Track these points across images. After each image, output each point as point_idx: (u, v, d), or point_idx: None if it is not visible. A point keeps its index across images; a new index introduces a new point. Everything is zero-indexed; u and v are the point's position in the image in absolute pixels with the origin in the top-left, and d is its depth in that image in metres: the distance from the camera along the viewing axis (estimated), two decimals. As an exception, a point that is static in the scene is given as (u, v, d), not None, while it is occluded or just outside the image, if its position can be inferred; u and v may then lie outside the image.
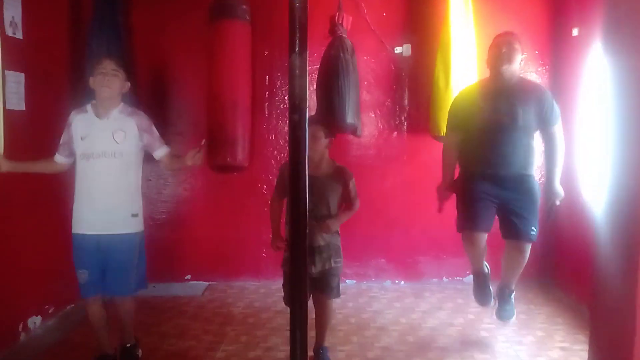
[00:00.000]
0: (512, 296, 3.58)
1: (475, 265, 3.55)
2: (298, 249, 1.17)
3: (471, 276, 3.68)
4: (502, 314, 3.60)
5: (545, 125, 3.31)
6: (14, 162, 2.96)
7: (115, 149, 2.98)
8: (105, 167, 2.98)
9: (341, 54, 4.18)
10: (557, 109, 3.32)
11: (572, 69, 4.38)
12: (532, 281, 4.54)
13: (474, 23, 4.33)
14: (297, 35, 1.13)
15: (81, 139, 3.00)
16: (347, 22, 4.28)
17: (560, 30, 4.60)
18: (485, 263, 3.55)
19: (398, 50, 4.68)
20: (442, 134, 4.26)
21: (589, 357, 1.95)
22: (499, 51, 3.26)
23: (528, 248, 3.37)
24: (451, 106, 3.57)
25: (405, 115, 4.77)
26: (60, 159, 3.11)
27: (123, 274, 3.07)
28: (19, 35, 3.39)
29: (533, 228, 3.30)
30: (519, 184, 3.30)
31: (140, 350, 3.35)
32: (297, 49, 1.13)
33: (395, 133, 4.79)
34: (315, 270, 3.13)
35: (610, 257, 1.67)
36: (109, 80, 2.98)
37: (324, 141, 3.18)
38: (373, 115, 4.77)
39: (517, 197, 3.30)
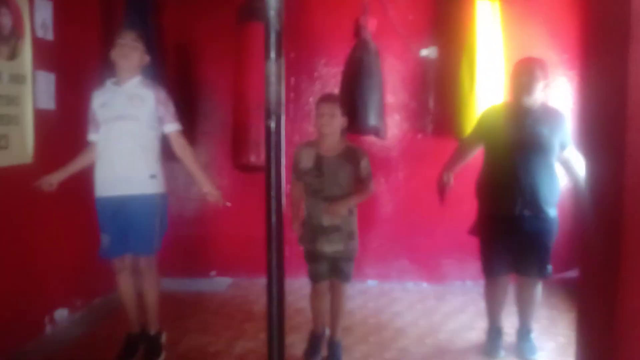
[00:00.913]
0: (532, 335, 3.52)
1: (492, 318, 3.53)
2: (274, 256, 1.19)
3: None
4: (525, 353, 3.47)
5: (562, 148, 3.24)
6: (58, 172, 3.14)
7: (131, 112, 3.10)
8: (122, 130, 3.10)
9: (365, 57, 4.20)
10: (570, 131, 3.29)
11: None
12: (556, 286, 4.46)
13: (501, 25, 4.28)
14: (273, 42, 1.16)
15: (100, 106, 3.14)
16: (372, 24, 4.29)
17: (590, 33, 4.49)
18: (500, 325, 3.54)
19: (424, 52, 4.66)
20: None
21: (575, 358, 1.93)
22: (519, 79, 3.18)
23: (540, 285, 3.37)
24: (480, 116, 3.54)
25: (430, 117, 4.75)
26: (92, 136, 3.23)
27: (144, 233, 3.18)
28: (50, 36, 3.53)
29: (549, 266, 3.28)
30: (539, 226, 3.23)
31: (164, 336, 3.48)
32: (272, 55, 1.16)
33: (420, 135, 4.77)
34: (324, 250, 3.19)
35: (594, 253, 1.67)
36: (128, 50, 3.10)
37: (339, 119, 3.20)
38: (398, 117, 4.76)
39: (535, 239, 3.25)
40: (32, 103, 3.36)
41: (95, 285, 4.10)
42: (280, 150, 1.17)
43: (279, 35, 1.17)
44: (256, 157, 4.29)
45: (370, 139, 4.66)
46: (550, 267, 3.28)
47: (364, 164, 3.24)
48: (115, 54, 3.11)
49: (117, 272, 3.29)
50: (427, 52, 4.68)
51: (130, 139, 3.10)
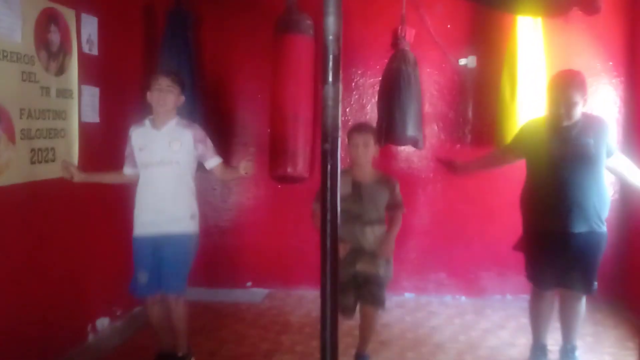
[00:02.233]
0: (576, 352, 3.40)
1: (537, 335, 3.44)
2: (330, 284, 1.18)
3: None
4: None
5: (609, 156, 3.14)
6: (86, 174, 3.20)
7: (172, 158, 3.18)
8: (163, 174, 3.18)
9: (403, 67, 4.17)
10: (614, 137, 3.22)
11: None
12: (602, 302, 4.33)
13: (542, 33, 4.20)
14: (330, 66, 1.16)
15: (139, 149, 3.22)
16: (409, 34, 4.27)
17: (635, 41, 4.39)
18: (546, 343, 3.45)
19: (462, 62, 4.61)
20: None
21: None
22: (558, 109, 3.07)
23: (584, 300, 3.27)
24: (518, 130, 3.45)
25: (469, 127, 4.69)
26: (127, 170, 3.33)
27: (178, 272, 3.23)
28: (95, 52, 3.61)
29: (595, 282, 3.18)
30: (588, 242, 3.12)
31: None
32: (330, 80, 1.16)
33: (459, 145, 4.71)
34: (363, 269, 3.21)
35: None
36: (164, 96, 3.17)
37: (373, 148, 3.27)
38: (436, 127, 4.72)
39: (583, 254, 3.14)
40: (78, 117, 3.44)
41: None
42: (336, 173, 1.16)
43: (337, 60, 1.16)
44: (293, 168, 4.30)
45: (408, 149, 4.64)
46: (595, 284, 3.19)
47: (398, 190, 3.35)
48: (152, 99, 3.19)
49: (148, 305, 3.33)
50: (466, 61, 4.62)
51: (172, 182, 3.20)
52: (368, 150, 3.24)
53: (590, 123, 3.15)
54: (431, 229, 4.76)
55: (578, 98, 3.03)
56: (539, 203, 3.21)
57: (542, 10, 2.69)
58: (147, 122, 3.26)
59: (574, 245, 3.12)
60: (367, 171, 3.30)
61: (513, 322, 4.22)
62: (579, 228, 3.08)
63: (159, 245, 3.18)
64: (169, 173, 3.18)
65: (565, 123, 3.09)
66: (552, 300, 3.34)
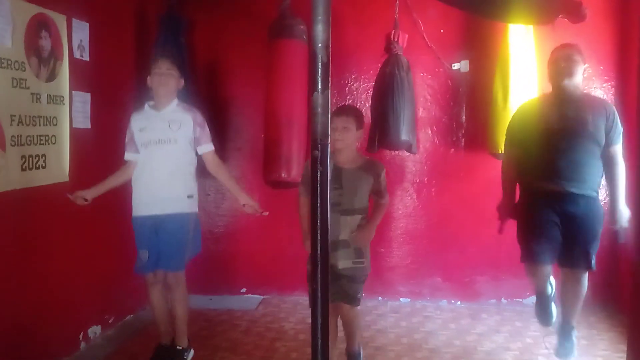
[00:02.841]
0: (574, 333, 3.39)
1: (538, 287, 3.40)
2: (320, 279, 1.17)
3: (532, 298, 3.56)
4: (562, 352, 3.39)
5: (608, 144, 3.13)
6: (94, 188, 3.25)
7: (170, 136, 3.23)
8: (162, 153, 3.23)
9: (396, 72, 4.17)
10: (620, 127, 3.16)
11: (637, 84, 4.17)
12: (595, 305, 4.32)
13: (534, 37, 4.21)
14: (319, 74, 1.15)
15: (140, 130, 3.27)
16: (402, 39, 4.27)
17: (625, 45, 4.41)
18: (551, 281, 3.36)
19: (456, 66, 4.61)
20: (500, 151, 4.16)
21: None
22: (558, 65, 3.14)
23: (586, 277, 3.23)
24: (510, 121, 3.43)
25: (463, 131, 4.69)
26: (129, 156, 3.35)
27: (177, 250, 3.29)
28: (86, 57, 3.60)
29: (593, 256, 3.15)
30: (585, 208, 3.12)
31: (191, 352, 3.52)
32: (319, 87, 1.15)
33: (453, 150, 4.71)
34: (340, 265, 3.00)
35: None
36: (165, 78, 3.24)
37: (354, 133, 3.07)
38: (430, 132, 4.71)
39: (580, 224, 3.13)
40: (69, 123, 3.42)
41: (126, 303, 4.14)
42: (326, 179, 1.15)
43: (326, 68, 1.15)
44: (287, 173, 4.29)
45: (402, 154, 4.64)
46: (594, 258, 3.14)
47: (383, 176, 3.14)
48: (153, 82, 3.26)
49: (149, 285, 3.39)
50: (459, 66, 4.62)
51: (170, 161, 3.24)
52: (348, 134, 3.02)
53: (592, 102, 3.19)
54: (426, 233, 4.75)
55: (578, 57, 3.12)
56: (533, 168, 3.22)
57: (530, 19, 2.73)
58: (146, 106, 3.32)
59: (568, 210, 3.11)
60: (349, 156, 3.08)
61: (508, 326, 4.21)
62: (573, 188, 3.09)
63: (158, 224, 3.24)
64: (167, 152, 3.22)
65: (568, 90, 3.11)
66: (548, 277, 3.28)
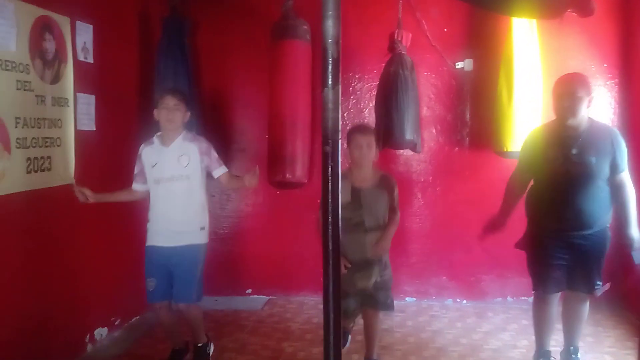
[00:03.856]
0: (578, 355, 3.37)
1: (540, 341, 3.37)
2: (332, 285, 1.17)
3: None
4: None
5: (615, 172, 3.08)
6: (99, 194, 3.26)
7: (182, 172, 3.29)
8: (175, 189, 3.28)
9: (400, 71, 4.17)
10: (625, 152, 3.11)
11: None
12: (602, 302, 4.29)
13: (538, 36, 4.20)
14: (330, 70, 1.15)
15: (151, 167, 3.31)
16: (406, 38, 4.27)
17: (629, 42, 4.40)
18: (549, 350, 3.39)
19: (459, 65, 4.60)
20: (505, 150, 4.16)
21: None
22: (562, 103, 3.05)
23: (588, 302, 3.26)
24: (523, 145, 3.37)
25: (467, 130, 4.68)
26: (137, 187, 3.41)
27: (190, 281, 3.34)
28: (90, 59, 3.60)
29: (599, 282, 3.15)
30: (592, 237, 3.11)
31: (212, 346, 3.60)
32: (329, 82, 1.14)
33: (457, 148, 4.70)
34: (364, 284, 3.17)
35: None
36: (172, 114, 3.26)
37: (375, 150, 3.21)
38: (434, 130, 4.71)
39: (587, 250, 3.12)
40: (74, 125, 3.42)
41: (132, 305, 4.13)
42: (337, 175, 1.15)
43: (336, 63, 1.15)
44: (291, 174, 4.29)
45: (407, 153, 4.63)
46: (599, 284, 3.15)
47: (396, 193, 3.28)
48: (161, 117, 3.28)
49: (156, 310, 3.43)
50: (463, 64, 4.61)
51: (182, 196, 3.30)
52: (371, 151, 3.18)
53: (596, 137, 3.09)
54: (431, 232, 4.74)
55: (582, 93, 3.03)
56: (541, 207, 3.21)
57: (537, 12, 2.69)
58: (155, 139, 3.36)
59: (578, 245, 3.11)
60: (367, 174, 3.22)
61: (514, 325, 4.21)
62: (583, 229, 3.08)
63: (170, 256, 3.28)
64: (179, 188, 3.28)
65: (571, 127, 3.05)
66: (556, 305, 3.30)
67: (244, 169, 4.80)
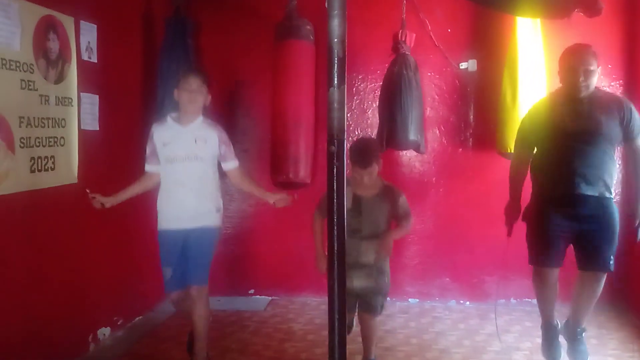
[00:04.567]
0: (584, 335, 3.33)
1: (545, 314, 3.36)
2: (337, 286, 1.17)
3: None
4: (576, 357, 3.30)
5: (628, 138, 3.08)
6: (113, 196, 3.21)
7: (198, 153, 3.21)
8: (188, 169, 3.21)
9: (404, 71, 4.16)
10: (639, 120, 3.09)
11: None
12: (605, 304, 4.27)
13: (542, 36, 4.19)
14: (336, 69, 1.14)
15: (164, 145, 3.23)
16: (410, 39, 4.26)
17: (633, 43, 4.39)
18: (557, 320, 3.36)
19: (463, 65, 4.59)
20: (509, 151, 4.14)
21: None
22: (576, 76, 3.02)
23: (603, 278, 3.16)
24: (522, 122, 3.37)
25: (471, 131, 4.67)
26: (150, 167, 3.32)
27: (203, 264, 3.26)
28: (94, 59, 3.60)
29: (611, 257, 3.08)
30: (599, 210, 3.06)
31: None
32: (335, 82, 1.14)
33: (461, 149, 4.69)
34: (356, 285, 3.16)
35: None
36: (194, 96, 3.21)
37: (377, 169, 3.18)
38: (437, 131, 4.70)
39: (595, 226, 3.08)
40: (78, 124, 3.42)
41: (135, 304, 4.14)
42: (342, 175, 1.15)
43: (342, 62, 1.15)
44: (294, 174, 4.28)
45: (410, 153, 4.62)
46: (613, 259, 3.07)
47: (402, 201, 3.25)
48: (182, 99, 3.22)
49: (175, 304, 3.38)
50: (467, 65, 4.60)
51: (198, 177, 3.23)
52: (371, 177, 3.15)
53: (605, 100, 3.11)
54: (434, 233, 4.73)
55: (595, 66, 3.03)
56: (547, 170, 3.18)
57: (543, 12, 2.68)
58: (169, 119, 3.28)
59: (584, 211, 3.06)
60: (369, 183, 3.19)
61: (518, 326, 4.19)
62: (588, 190, 3.03)
63: (185, 239, 3.22)
64: (193, 168, 3.21)
65: (583, 93, 3.04)
66: (556, 279, 3.24)
67: (247, 170, 4.82)
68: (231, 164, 3.35)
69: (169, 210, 3.26)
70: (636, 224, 3.17)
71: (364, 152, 3.16)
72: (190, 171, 3.21)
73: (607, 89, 4.47)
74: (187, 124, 3.24)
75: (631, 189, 3.18)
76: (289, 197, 3.31)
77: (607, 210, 3.09)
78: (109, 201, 3.20)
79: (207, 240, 3.26)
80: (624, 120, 3.06)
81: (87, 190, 3.17)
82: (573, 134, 3.04)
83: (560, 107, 3.12)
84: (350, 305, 3.25)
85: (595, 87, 3.12)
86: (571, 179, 3.06)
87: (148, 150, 3.30)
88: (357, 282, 3.16)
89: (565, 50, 3.18)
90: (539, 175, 3.26)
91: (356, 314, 3.32)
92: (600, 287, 3.18)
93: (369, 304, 3.24)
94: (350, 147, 3.22)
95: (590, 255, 3.12)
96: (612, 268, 3.11)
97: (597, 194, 3.06)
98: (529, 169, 3.32)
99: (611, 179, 3.11)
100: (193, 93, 3.20)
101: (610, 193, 3.12)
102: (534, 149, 3.28)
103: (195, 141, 3.21)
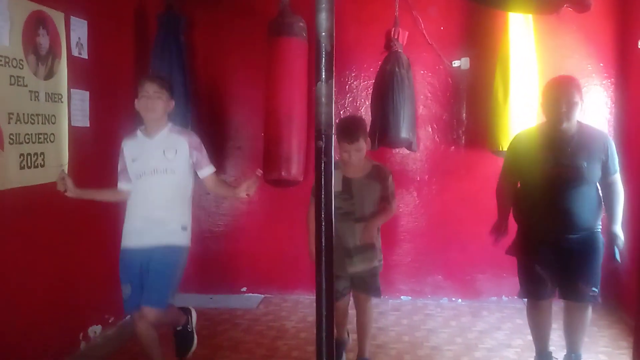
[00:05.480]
0: None
1: (539, 343, 3.32)
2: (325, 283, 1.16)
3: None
4: None
5: (607, 175, 3.07)
6: (81, 190, 3.00)
7: (166, 166, 3.01)
8: (157, 183, 3.01)
9: (396, 69, 4.16)
10: (616, 156, 3.09)
11: (638, 81, 4.17)
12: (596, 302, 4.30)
13: (534, 35, 4.20)
14: (323, 64, 1.13)
15: (132, 161, 3.05)
16: (403, 37, 4.26)
17: (625, 42, 4.40)
18: (550, 351, 3.34)
19: (456, 63, 4.60)
20: (501, 149, 4.14)
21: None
22: (559, 108, 2.97)
23: (589, 309, 3.17)
24: (508, 149, 3.35)
25: (463, 129, 4.68)
26: (122, 185, 3.13)
27: (163, 285, 3.01)
28: (85, 55, 3.58)
29: (595, 289, 3.08)
30: (583, 242, 3.06)
31: None
32: (323, 76, 1.13)
33: (453, 147, 4.70)
34: (354, 270, 3.20)
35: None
36: (152, 103, 2.99)
37: (365, 147, 3.16)
38: (430, 129, 4.70)
39: (579, 256, 3.07)
40: (68, 121, 3.40)
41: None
42: (330, 170, 1.14)
43: (330, 57, 1.14)
44: (287, 172, 4.28)
45: (403, 151, 4.62)
46: (596, 291, 3.08)
47: (390, 181, 3.26)
48: (140, 107, 3.02)
49: (135, 321, 3.06)
50: (459, 63, 4.61)
51: (165, 191, 3.03)
52: (360, 153, 3.13)
53: (587, 140, 3.06)
54: (427, 231, 4.74)
55: (577, 98, 2.99)
56: (530, 212, 3.17)
57: (534, 8, 2.67)
58: (138, 132, 3.10)
59: (568, 250, 3.06)
60: (359, 165, 3.19)
61: (509, 324, 4.21)
62: (573, 233, 3.04)
63: (147, 257, 2.99)
64: (162, 182, 3.01)
65: (565, 125, 3.00)
66: (549, 309, 3.25)
67: (240, 167, 4.82)
68: (206, 171, 3.12)
69: (133, 227, 3.05)
70: (614, 246, 3.12)
71: (350, 126, 3.16)
72: (158, 185, 3.00)
73: (599, 87, 4.50)
74: (154, 135, 3.04)
75: (607, 217, 3.14)
76: (254, 178, 3.07)
77: (590, 242, 3.08)
78: (74, 193, 2.95)
79: (168, 260, 3.01)
80: (606, 159, 3.04)
81: (62, 169, 3.06)
82: (555, 179, 3.01)
83: (543, 151, 3.07)
84: (344, 288, 3.27)
85: (579, 122, 3.08)
86: (553, 225, 3.05)
87: (119, 168, 3.12)
88: (354, 265, 3.19)
89: (547, 83, 3.14)
90: (523, 215, 3.23)
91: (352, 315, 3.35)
92: (587, 316, 3.18)
93: (365, 283, 3.27)
94: (337, 123, 3.18)
95: (573, 286, 3.10)
96: (597, 299, 3.12)
97: (582, 234, 3.05)
98: (513, 203, 3.28)
99: (596, 217, 3.09)
100: (150, 100, 2.97)
101: (596, 227, 3.10)
102: (517, 182, 3.27)
103: (164, 152, 3.00)
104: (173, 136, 3.07)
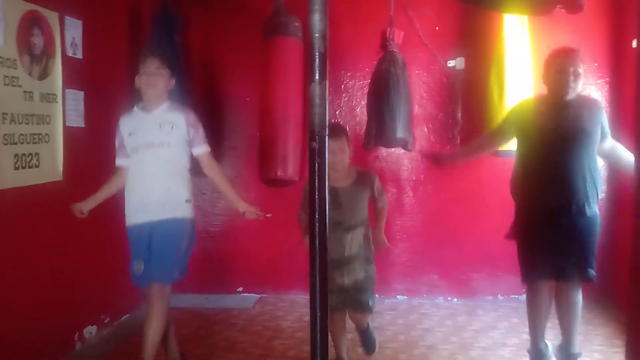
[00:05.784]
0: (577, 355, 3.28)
1: (535, 335, 3.27)
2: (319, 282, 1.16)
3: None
4: None
5: (605, 139, 3.11)
6: (90, 199, 3.06)
7: (162, 140, 2.99)
8: (154, 157, 2.99)
9: (392, 69, 4.16)
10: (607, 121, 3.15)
11: (632, 81, 4.18)
12: (591, 301, 4.31)
13: (529, 35, 4.21)
14: (317, 64, 1.14)
15: (129, 135, 3.04)
16: (398, 37, 4.26)
17: (619, 42, 4.42)
18: (546, 342, 3.30)
19: (451, 63, 4.61)
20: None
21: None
22: (565, 78, 3.00)
23: (580, 293, 3.16)
24: (511, 111, 3.33)
25: (459, 129, 4.68)
26: (120, 161, 3.12)
27: (169, 259, 3.01)
28: (79, 55, 3.57)
29: (591, 270, 3.08)
30: (583, 222, 3.05)
31: None
32: (316, 77, 1.13)
33: (449, 147, 4.70)
34: (343, 282, 3.14)
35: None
36: (154, 79, 2.99)
37: (348, 151, 3.14)
38: (425, 129, 4.71)
39: (578, 234, 3.06)
40: (62, 121, 3.39)
41: (122, 303, 4.11)
42: (324, 171, 1.15)
43: (323, 58, 1.14)
44: (283, 172, 4.28)
45: (398, 151, 4.63)
46: (592, 271, 3.07)
47: (377, 183, 3.25)
48: (141, 83, 3.02)
49: (148, 297, 3.04)
50: (455, 63, 4.61)
51: (165, 165, 3.01)
52: (344, 154, 3.09)
53: (585, 103, 3.14)
54: (422, 230, 4.75)
55: (581, 68, 3.03)
56: (531, 182, 3.15)
57: (527, 9, 2.68)
58: (135, 108, 3.10)
59: (566, 225, 3.05)
60: (343, 173, 3.15)
61: (505, 323, 4.21)
62: (571, 205, 3.02)
63: (154, 231, 2.99)
64: (159, 156, 2.98)
65: (569, 96, 3.03)
66: (550, 294, 3.20)
67: (236, 167, 4.81)
68: (200, 149, 3.09)
69: (134, 203, 3.02)
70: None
71: (334, 126, 3.16)
72: (156, 159, 2.98)
73: (594, 87, 4.52)
74: (152, 110, 3.04)
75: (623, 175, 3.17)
76: (261, 213, 3.13)
77: (589, 225, 3.08)
78: (87, 206, 3.06)
79: (175, 233, 3.00)
80: (602, 123, 3.09)
81: (71, 207, 3.08)
82: (559, 139, 3.02)
83: (545, 114, 3.08)
84: (339, 302, 3.21)
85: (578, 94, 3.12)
86: (555, 193, 3.05)
87: (117, 143, 3.11)
88: (347, 276, 3.14)
89: (551, 52, 3.15)
90: (522, 189, 3.21)
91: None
92: (578, 300, 3.17)
93: (358, 301, 3.18)
94: None
95: (568, 264, 3.09)
96: (592, 279, 3.10)
97: (581, 205, 3.04)
98: (511, 182, 3.29)
99: (597, 188, 3.09)
100: (152, 76, 2.97)
101: (595, 204, 3.10)
102: (506, 140, 3.29)
103: (160, 127, 2.99)
104: (171, 112, 3.06)
